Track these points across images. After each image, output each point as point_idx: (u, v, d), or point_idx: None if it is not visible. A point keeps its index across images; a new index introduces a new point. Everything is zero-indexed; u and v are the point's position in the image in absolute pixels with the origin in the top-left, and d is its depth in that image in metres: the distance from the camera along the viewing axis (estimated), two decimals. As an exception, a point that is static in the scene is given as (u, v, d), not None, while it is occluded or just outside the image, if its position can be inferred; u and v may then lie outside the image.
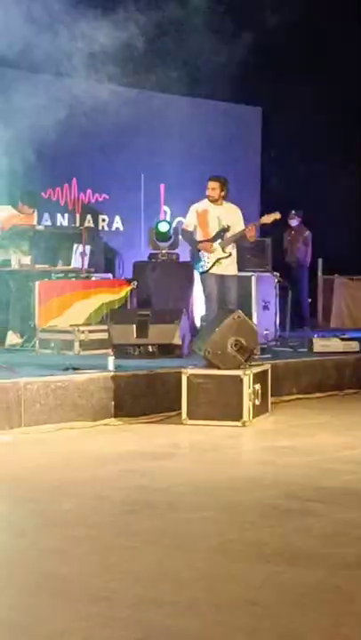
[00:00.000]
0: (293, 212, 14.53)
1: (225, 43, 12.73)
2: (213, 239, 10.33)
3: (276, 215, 10.60)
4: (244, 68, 13.10)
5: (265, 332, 11.08)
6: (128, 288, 11.56)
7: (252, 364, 8.63)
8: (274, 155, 15.12)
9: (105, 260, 12.78)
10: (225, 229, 10.31)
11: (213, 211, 10.40)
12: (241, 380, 8.19)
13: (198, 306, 11.58)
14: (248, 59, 13.07)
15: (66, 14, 10.43)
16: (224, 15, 12.46)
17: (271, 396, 8.84)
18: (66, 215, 13.15)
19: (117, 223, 13.84)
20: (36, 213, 11.95)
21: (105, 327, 10.66)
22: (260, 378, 8.51)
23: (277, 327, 11.81)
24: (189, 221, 10.62)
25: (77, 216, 13.14)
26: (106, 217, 13.59)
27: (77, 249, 11.72)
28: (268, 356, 10.09)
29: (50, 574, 4.25)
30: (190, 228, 10.58)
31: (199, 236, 10.44)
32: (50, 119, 11.19)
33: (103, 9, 10.63)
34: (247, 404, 8.18)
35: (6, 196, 11.94)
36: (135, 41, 11.12)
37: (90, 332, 10.72)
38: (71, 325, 10.79)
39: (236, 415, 8.15)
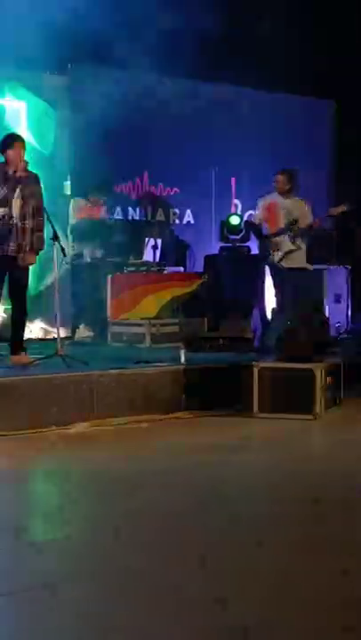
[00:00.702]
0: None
1: (298, 36, 12.67)
2: (282, 232, 10.26)
3: (344, 207, 10.50)
4: (318, 62, 12.99)
5: (337, 325, 10.98)
6: (199, 281, 11.53)
7: (324, 356, 8.55)
8: (346, 148, 14.96)
9: (176, 254, 12.76)
10: (293, 222, 10.23)
11: (282, 203, 10.32)
12: (313, 373, 8.12)
13: (269, 299, 11.51)
14: (321, 52, 12.97)
15: (138, 7, 10.42)
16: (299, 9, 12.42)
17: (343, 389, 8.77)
18: (137, 209, 13.16)
19: (188, 217, 13.80)
20: (105, 206, 11.98)
21: (176, 320, 10.65)
22: (331, 371, 8.43)
23: (349, 320, 11.70)
24: (258, 214, 10.57)
25: (149, 210, 13.14)
26: (177, 210, 13.57)
27: (149, 242, 11.73)
28: (339, 349, 9.99)
29: (126, 566, 4.24)
30: (259, 221, 10.54)
31: (268, 229, 10.38)
32: (122, 114, 11.21)
33: (175, 1, 10.60)
34: (319, 397, 8.10)
35: (79, 188, 11.98)
36: (208, 34, 11.08)
37: (161, 325, 10.72)
38: (143, 318, 10.79)
39: (307, 408, 8.08)
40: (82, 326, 11.29)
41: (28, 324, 9.26)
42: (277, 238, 10.25)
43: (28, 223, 8.39)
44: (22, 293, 8.67)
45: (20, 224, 8.34)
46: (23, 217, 8.36)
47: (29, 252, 8.43)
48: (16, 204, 8.34)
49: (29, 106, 12.00)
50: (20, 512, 5.42)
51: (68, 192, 12.03)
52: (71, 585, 3.98)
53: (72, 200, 11.78)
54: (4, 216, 8.16)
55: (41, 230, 8.50)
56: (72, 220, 11.56)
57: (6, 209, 8.21)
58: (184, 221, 13.71)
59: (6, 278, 8.48)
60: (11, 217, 8.29)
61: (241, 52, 12.34)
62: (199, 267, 12.59)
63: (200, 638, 3.40)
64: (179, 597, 3.83)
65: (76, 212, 11.58)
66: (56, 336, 8.75)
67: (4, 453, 6.80)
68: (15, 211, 8.33)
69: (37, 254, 8.59)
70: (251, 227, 10.81)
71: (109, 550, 4.52)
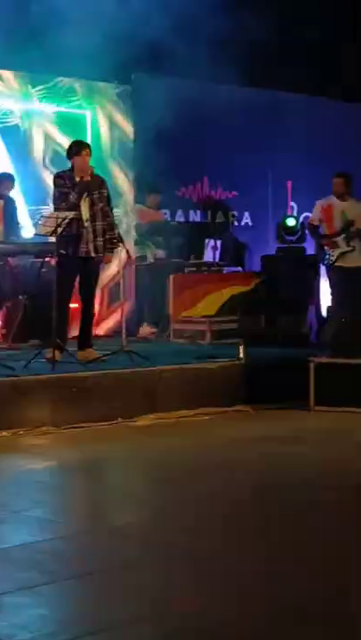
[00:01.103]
0: None
1: (351, 42, 12.63)
2: (338, 234, 10.29)
3: None
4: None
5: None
6: (257, 280, 11.57)
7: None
8: None
9: (235, 254, 12.81)
10: (350, 224, 10.26)
11: (338, 206, 10.36)
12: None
13: (324, 298, 11.53)
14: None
15: (195, 17, 10.48)
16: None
17: None
18: (198, 212, 13.23)
19: (247, 219, 13.84)
20: (161, 209, 12.12)
21: (235, 318, 10.72)
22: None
23: None
24: (315, 216, 10.62)
25: (209, 212, 13.21)
26: (235, 213, 13.61)
27: (209, 243, 11.80)
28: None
29: (191, 549, 4.32)
30: (316, 223, 10.59)
31: (324, 231, 10.43)
32: (182, 121, 11.30)
33: (231, 10, 10.64)
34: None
35: (141, 194, 12.11)
36: (262, 41, 11.12)
37: (221, 322, 10.79)
38: (203, 316, 10.87)
39: (361, 402, 8.11)
40: (145, 324, 11.41)
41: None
42: (333, 239, 10.29)
43: (98, 225, 8.52)
44: (92, 293, 8.81)
45: (90, 226, 8.48)
46: (93, 219, 8.49)
47: (102, 253, 8.58)
48: (85, 208, 8.47)
49: (93, 114, 12.15)
50: (94, 498, 5.54)
51: (131, 197, 12.17)
52: (140, 568, 4.06)
53: (135, 206, 11.93)
54: (74, 220, 8.29)
55: (112, 230, 8.64)
56: (136, 224, 11.70)
57: (77, 213, 8.34)
58: (242, 223, 13.76)
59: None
60: (80, 220, 8.43)
61: (293, 59, 12.36)
62: (257, 266, 12.62)
63: (264, 619, 3.45)
64: (242, 580, 3.90)
65: (139, 217, 11.71)
66: (121, 333, 8.86)
67: (76, 444, 6.92)
68: (85, 214, 8.46)
69: (110, 253, 8.75)
70: (309, 228, 10.85)
71: (175, 535, 4.60)
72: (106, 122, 12.23)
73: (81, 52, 10.04)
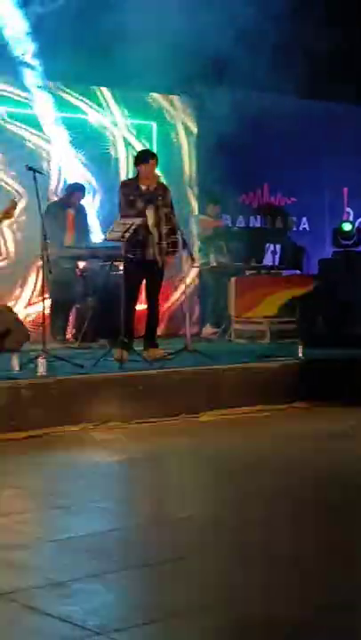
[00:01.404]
0: None
1: None
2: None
3: None
4: None
5: None
6: (315, 283, 11.50)
7: None
8: None
9: (293, 258, 12.75)
10: None
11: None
12: None
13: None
14: None
15: (257, 30, 10.45)
16: None
17: None
18: (258, 217, 13.21)
19: (304, 224, 13.80)
20: (221, 218, 12.18)
21: (294, 318, 10.66)
22: None
23: None
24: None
25: (268, 218, 13.19)
26: (294, 218, 13.56)
27: (269, 248, 11.77)
28: None
29: (248, 543, 4.30)
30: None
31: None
32: (244, 131, 11.28)
33: (291, 22, 10.60)
34: None
35: (203, 203, 12.16)
36: (320, 54, 11.07)
37: (280, 322, 10.75)
38: (263, 317, 10.84)
39: None
40: (208, 324, 11.42)
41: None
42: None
43: (163, 230, 8.54)
44: (157, 294, 8.83)
45: (155, 231, 8.50)
46: (157, 225, 8.51)
47: (166, 256, 8.61)
48: (150, 214, 8.50)
49: (159, 125, 12.18)
50: (160, 491, 5.53)
51: (195, 206, 12.23)
52: (204, 558, 4.04)
53: (198, 216, 12.00)
54: (140, 226, 8.31)
55: (174, 234, 8.65)
56: (199, 231, 11.75)
57: (143, 219, 8.36)
58: (300, 228, 13.71)
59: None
60: (147, 226, 8.45)
61: (349, 72, 12.27)
62: (314, 269, 12.56)
63: (317, 609, 3.40)
64: (296, 570, 3.87)
65: (201, 226, 11.75)
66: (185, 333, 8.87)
67: (142, 439, 6.93)
68: (150, 220, 8.49)
69: (173, 257, 8.76)
70: None
71: (238, 526, 4.58)
72: (170, 133, 12.26)
73: (147, 66, 10.09)
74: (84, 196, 10.75)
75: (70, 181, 11.15)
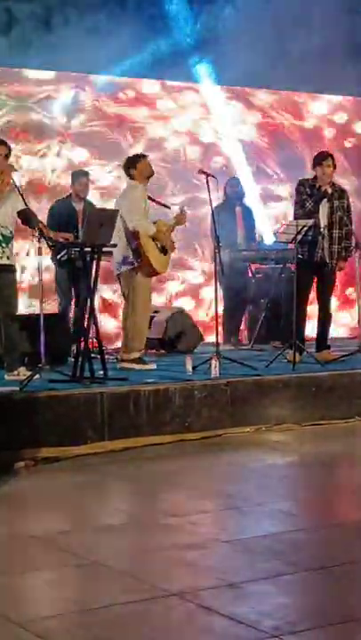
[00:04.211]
0: None
1: None
2: None
3: None
4: None
5: None
6: None
7: None
8: None
9: None
10: None
11: None
12: None
13: None
14: None
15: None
16: None
17: None
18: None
19: None
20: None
21: None
22: None
23: None
24: None
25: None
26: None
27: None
28: None
29: None
30: None
31: None
32: None
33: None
34: None
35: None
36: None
37: None
38: None
39: None
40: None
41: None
42: None
43: (335, 233, 8.45)
44: (329, 295, 8.74)
45: (326, 234, 8.42)
46: (330, 227, 8.43)
47: (338, 259, 8.51)
48: (323, 215, 8.43)
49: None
50: (332, 493, 5.47)
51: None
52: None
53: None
54: (312, 226, 8.25)
55: (349, 239, 8.54)
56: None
57: (314, 220, 8.30)
58: None
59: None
60: (318, 227, 8.37)
61: None
62: None
63: None
64: None
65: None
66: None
67: (315, 441, 6.89)
68: (322, 221, 8.41)
69: (345, 261, 8.65)
70: None
71: None
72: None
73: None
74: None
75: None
